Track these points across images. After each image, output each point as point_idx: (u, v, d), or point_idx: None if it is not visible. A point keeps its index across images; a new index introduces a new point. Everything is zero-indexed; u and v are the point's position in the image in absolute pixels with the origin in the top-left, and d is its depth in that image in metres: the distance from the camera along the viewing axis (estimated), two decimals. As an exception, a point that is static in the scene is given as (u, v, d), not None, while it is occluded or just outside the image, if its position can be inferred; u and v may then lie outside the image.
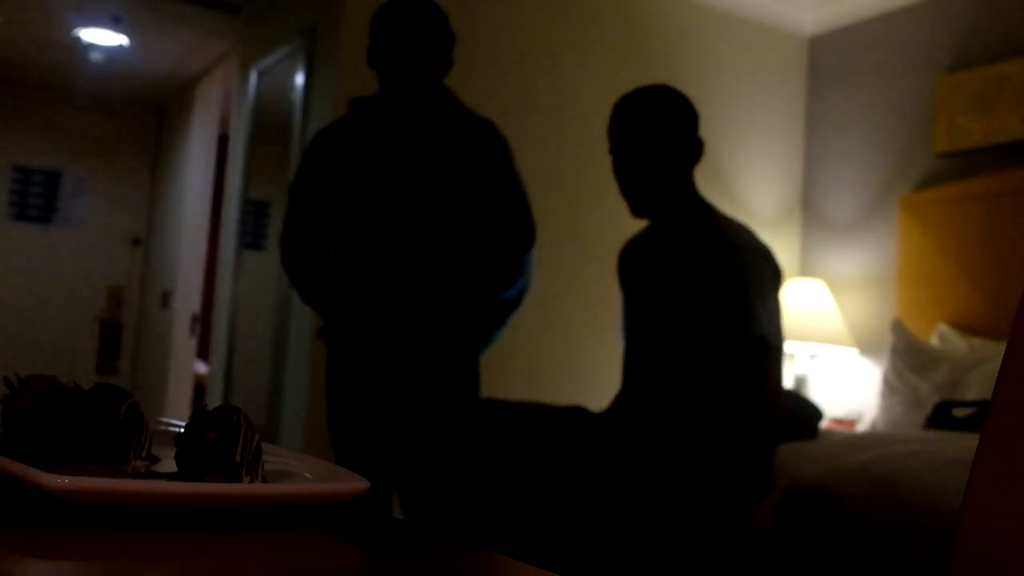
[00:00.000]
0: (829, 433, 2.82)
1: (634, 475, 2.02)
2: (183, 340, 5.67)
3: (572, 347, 3.74)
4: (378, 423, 2.23)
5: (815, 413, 2.68)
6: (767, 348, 2.04)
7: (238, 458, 0.68)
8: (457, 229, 2.18)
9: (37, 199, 6.31)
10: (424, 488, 2.25)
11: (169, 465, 0.72)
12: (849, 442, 2.46)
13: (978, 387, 3.14)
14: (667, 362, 2.11)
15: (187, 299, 5.66)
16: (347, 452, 2.22)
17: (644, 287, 2.21)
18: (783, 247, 4.31)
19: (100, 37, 5.10)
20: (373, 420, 2.23)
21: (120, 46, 5.23)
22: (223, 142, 5.37)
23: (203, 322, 5.59)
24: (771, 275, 2.12)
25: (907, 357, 3.46)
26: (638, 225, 2.36)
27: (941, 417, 2.95)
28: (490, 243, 2.20)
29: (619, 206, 4.00)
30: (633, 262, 2.30)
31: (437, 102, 2.21)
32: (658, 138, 2.10)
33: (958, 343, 3.45)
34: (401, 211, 2.18)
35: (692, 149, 2.16)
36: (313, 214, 2.25)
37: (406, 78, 2.16)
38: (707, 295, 2.05)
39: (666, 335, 2.12)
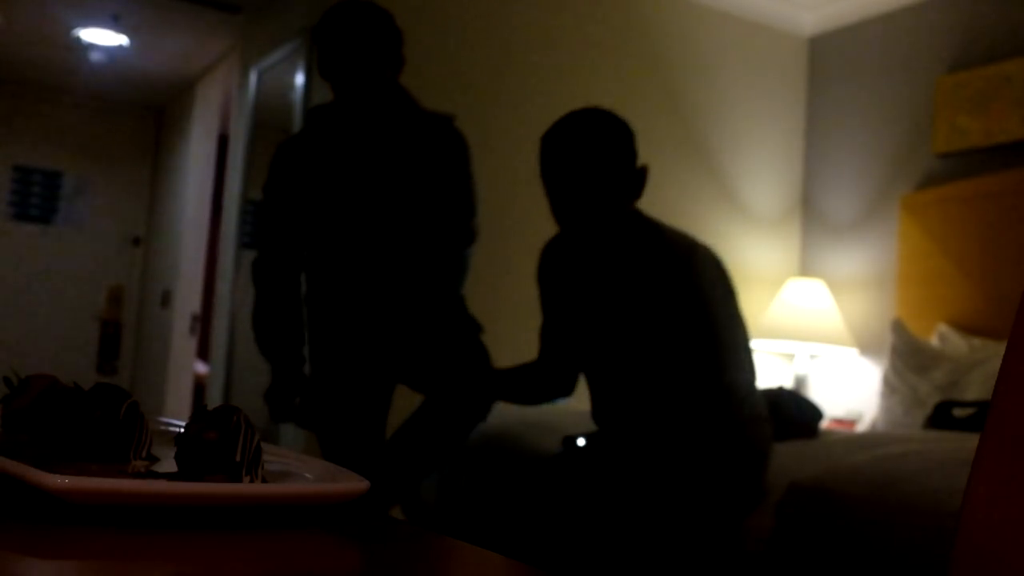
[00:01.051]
0: (829, 433, 2.82)
1: (617, 490, 2.00)
2: (183, 340, 5.66)
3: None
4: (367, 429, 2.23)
5: (815, 413, 2.68)
6: (733, 347, 2.00)
7: (238, 458, 0.68)
8: (415, 229, 2.18)
9: (37, 199, 6.31)
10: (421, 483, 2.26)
11: (169, 465, 0.72)
12: (849, 442, 2.46)
13: (978, 387, 3.14)
14: (625, 372, 2.05)
15: (187, 299, 5.65)
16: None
17: (585, 294, 2.10)
18: (783, 247, 4.31)
19: (100, 37, 5.10)
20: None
21: (120, 46, 5.23)
22: (223, 142, 5.37)
23: (203, 322, 5.59)
24: (725, 278, 2.06)
25: (907, 357, 3.46)
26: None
27: (941, 417, 2.95)
28: (432, 237, 2.19)
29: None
30: (566, 266, 2.16)
31: (393, 104, 2.20)
32: (594, 173, 1.91)
33: (958, 343, 3.45)
34: (367, 220, 2.18)
35: (633, 181, 1.97)
36: (284, 233, 2.24)
37: (358, 87, 2.15)
38: (664, 297, 1.95)
39: (625, 344, 2.03)
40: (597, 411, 2.14)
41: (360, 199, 2.18)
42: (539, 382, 2.22)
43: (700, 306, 1.96)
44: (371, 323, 2.19)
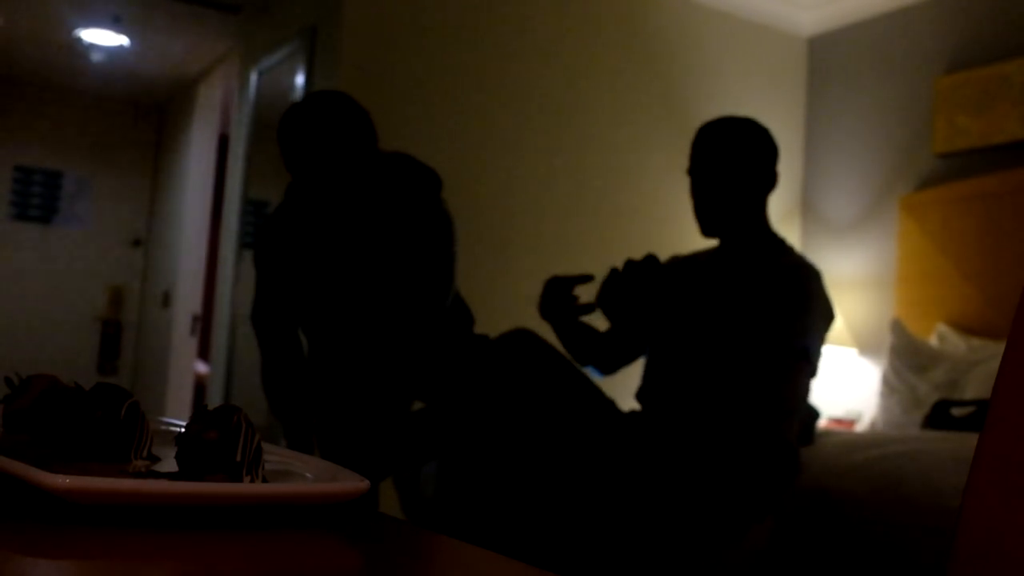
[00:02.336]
0: (829, 433, 2.82)
1: (658, 474, 2.02)
2: (183, 340, 5.66)
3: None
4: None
5: (813, 414, 2.68)
6: (810, 367, 2.07)
7: (238, 458, 0.68)
8: (394, 270, 2.22)
9: (37, 199, 6.31)
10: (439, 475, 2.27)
11: (169, 465, 0.72)
12: (849, 442, 2.46)
13: (977, 387, 3.14)
14: (715, 368, 2.12)
15: (187, 299, 5.66)
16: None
17: (699, 301, 2.21)
18: (783, 247, 4.31)
19: (100, 37, 5.10)
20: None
21: (120, 46, 5.23)
22: (223, 142, 5.37)
23: (203, 322, 5.59)
24: (828, 310, 2.13)
25: (906, 357, 3.47)
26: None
27: (940, 417, 2.95)
28: (410, 271, 2.23)
29: (622, 206, 3.98)
30: (683, 279, 2.28)
31: (358, 177, 2.20)
32: (738, 170, 2.14)
33: (957, 343, 3.45)
34: (349, 271, 2.23)
35: (768, 180, 2.19)
36: (276, 292, 2.33)
37: (321, 182, 2.17)
38: (776, 309, 2.06)
39: (720, 343, 2.12)
40: (645, 394, 2.20)
41: (338, 253, 2.25)
42: (616, 350, 2.29)
43: (801, 336, 2.04)
44: (372, 358, 2.25)
